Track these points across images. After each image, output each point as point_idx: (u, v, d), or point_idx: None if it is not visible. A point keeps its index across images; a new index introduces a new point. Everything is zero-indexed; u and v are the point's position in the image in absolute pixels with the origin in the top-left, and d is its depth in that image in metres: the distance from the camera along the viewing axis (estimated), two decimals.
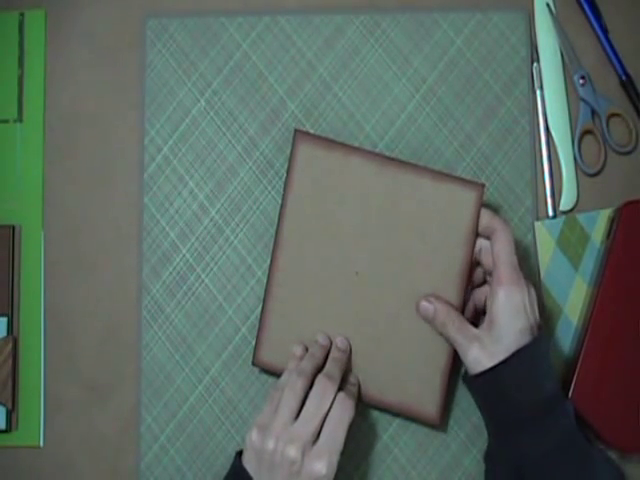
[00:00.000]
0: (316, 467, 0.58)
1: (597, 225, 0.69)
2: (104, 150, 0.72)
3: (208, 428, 0.69)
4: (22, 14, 0.74)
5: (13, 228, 0.72)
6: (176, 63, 0.72)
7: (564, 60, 0.71)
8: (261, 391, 0.69)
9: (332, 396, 0.60)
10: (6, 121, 0.73)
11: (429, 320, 0.63)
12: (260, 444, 0.59)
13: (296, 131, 0.65)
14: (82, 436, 0.70)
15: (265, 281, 0.68)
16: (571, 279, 0.69)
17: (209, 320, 0.70)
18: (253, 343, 0.68)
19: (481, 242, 0.63)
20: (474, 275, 0.65)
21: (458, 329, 0.61)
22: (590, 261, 0.69)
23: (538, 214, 0.70)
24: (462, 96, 0.71)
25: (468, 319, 0.63)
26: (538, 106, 0.71)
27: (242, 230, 0.71)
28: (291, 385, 0.60)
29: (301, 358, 0.64)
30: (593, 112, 0.71)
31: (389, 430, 0.68)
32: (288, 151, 0.69)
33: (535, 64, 0.71)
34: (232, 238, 0.71)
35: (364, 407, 0.68)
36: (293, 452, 0.58)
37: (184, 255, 0.71)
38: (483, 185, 0.63)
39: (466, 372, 0.63)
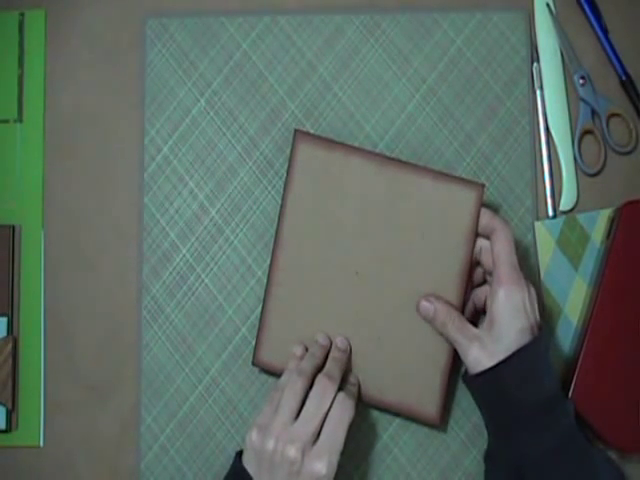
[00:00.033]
0: (316, 467, 0.58)
1: (597, 225, 0.69)
2: (104, 150, 0.73)
3: (208, 428, 0.69)
4: (22, 14, 0.74)
5: (13, 228, 0.72)
6: (176, 63, 0.72)
7: (564, 60, 0.71)
8: (261, 391, 0.69)
9: (332, 396, 0.60)
10: (6, 121, 0.73)
11: (429, 320, 0.63)
12: (260, 444, 0.59)
13: (296, 131, 0.65)
14: (82, 436, 0.70)
15: (265, 281, 0.68)
16: (571, 279, 0.69)
17: (209, 320, 0.70)
18: (253, 343, 0.68)
19: (481, 242, 0.63)
20: (474, 275, 0.65)
21: (458, 329, 0.61)
22: (590, 261, 0.69)
23: (538, 214, 0.70)
24: (462, 96, 0.71)
25: (468, 319, 0.64)
26: (538, 106, 0.71)
27: (242, 230, 0.71)
28: (291, 385, 0.60)
29: (301, 358, 0.64)
30: (593, 112, 0.71)
31: (389, 430, 0.68)
32: (288, 151, 0.69)
33: (535, 64, 0.71)
34: (232, 238, 0.71)
35: (364, 407, 0.68)
36: (293, 452, 0.58)
37: (184, 255, 0.71)
38: (483, 185, 0.63)
39: (466, 372, 0.63)
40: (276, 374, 0.67)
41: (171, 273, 0.71)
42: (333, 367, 0.62)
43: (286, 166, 0.68)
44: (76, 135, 0.73)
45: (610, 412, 0.64)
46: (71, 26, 0.74)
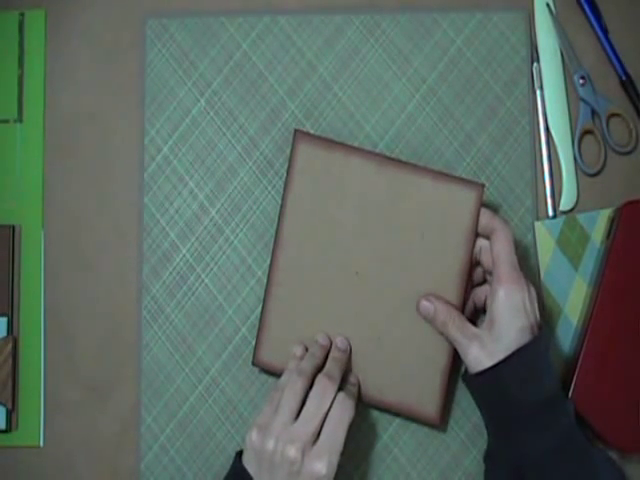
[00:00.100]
0: (316, 467, 0.58)
1: (597, 225, 0.69)
2: (104, 150, 0.72)
3: (208, 428, 0.69)
4: (22, 14, 0.74)
5: (13, 228, 0.72)
6: (176, 63, 0.72)
7: (564, 60, 0.71)
8: (261, 391, 0.69)
9: (332, 396, 0.60)
10: (6, 121, 0.73)
11: (429, 319, 0.63)
12: (260, 444, 0.59)
13: (296, 131, 0.65)
14: (82, 436, 0.70)
15: (265, 281, 0.68)
16: (571, 279, 0.69)
17: (209, 320, 0.70)
18: (253, 343, 0.68)
19: (481, 242, 0.63)
20: (474, 274, 0.65)
21: (458, 328, 0.61)
22: (590, 261, 0.69)
23: (538, 214, 0.70)
24: (462, 96, 0.71)
25: (468, 318, 0.63)
26: (538, 106, 0.71)
27: (242, 230, 0.71)
28: (291, 385, 0.60)
29: (301, 358, 0.64)
30: (593, 112, 0.71)
31: (389, 430, 0.68)
32: (288, 151, 0.69)
33: (535, 64, 0.71)
34: (232, 238, 0.71)
35: (364, 407, 0.68)
36: (293, 452, 0.58)
37: (184, 255, 0.71)
38: (483, 185, 0.63)
39: (466, 371, 0.63)
40: (276, 374, 0.67)
41: (171, 273, 0.71)
42: (333, 367, 0.62)
43: (286, 166, 0.68)
44: (76, 135, 0.73)
45: (610, 412, 0.64)
46: (71, 26, 0.74)
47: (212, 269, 0.71)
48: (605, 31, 0.71)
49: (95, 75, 0.73)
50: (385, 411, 0.68)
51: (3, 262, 0.71)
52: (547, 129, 0.71)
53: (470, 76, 0.71)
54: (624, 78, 0.70)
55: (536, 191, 0.70)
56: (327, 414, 0.59)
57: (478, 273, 0.65)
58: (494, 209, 0.69)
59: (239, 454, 0.61)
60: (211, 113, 0.72)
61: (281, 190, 0.70)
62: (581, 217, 0.69)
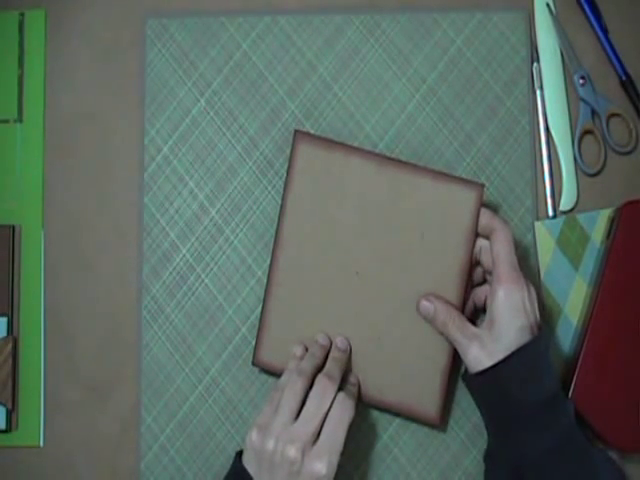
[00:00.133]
0: (316, 467, 0.58)
1: (597, 225, 0.69)
2: (104, 150, 0.73)
3: (208, 428, 0.69)
4: (22, 14, 0.74)
5: (13, 228, 0.72)
6: (176, 63, 0.72)
7: (564, 60, 0.71)
8: (261, 391, 0.69)
9: (332, 396, 0.60)
10: (6, 121, 0.73)
11: (429, 319, 0.63)
12: (260, 444, 0.59)
13: (296, 131, 0.65)
14: (82, 436, 0.70)
15: (265, 281, 0.68)
16: (571, 279, 0.69)
17: (209, 320, 0.70)
18: (253, 343, 0.68)
19: (481, 242, 0.63)
20: (474, 274, 0.65)
21: (458, 328, 0.61)
22: (590, 261, 0.69)
23: (538, 214, 0.70)
24: (462, 96, 0.71)
25: (468, 318, 0.63)
26: (538, 106, 0.71)
27: (242, 230, 0.71)
28: (291, 385, 0.60)
29: (301, 358, 0.64)
30: (593, 112, 0.71)
31: (389, 430, 0.68)
32: (288, 151, 0.69)
33: (535, 64, 0.71)
34: (232, 238, 0.71)
35: (364, 407, 0.68)
36: (293, 452, 0.58)
37: (184, 255, 0.71)
38: (483, 185, 0.63)
39: (466, 371, 0.63)
40: (276, 374, 0.67)
41: (171, 273, 0.71)
42: (333, 367, 0.62)
43: (286, 166, 0.68)
44: (76, 135, 0.73)
45: (610, 412, 0.64)
46: (71, 26, 0.74)
47: (212, 269, 0.71)
48: (605, 31, 0.71)
49: (95, 75, 0.73)
50: (385, 411, 0.68)
51: (3, 262, 0.71)
52: (547, 129, 0.71)
53: (470, 76, 0.71)
54: (624, 78, 0.70)
55: (536, 191, 0.70)
56: (327, 414, 0.59)
57: (478, 273, 0.65)
58: (494, 209, 0.69)
59: (239, 454, 0.61)
60: (211, 113, 0.72)
61: (281, 190, 0.70)
62: (581, 217, 0.69)
